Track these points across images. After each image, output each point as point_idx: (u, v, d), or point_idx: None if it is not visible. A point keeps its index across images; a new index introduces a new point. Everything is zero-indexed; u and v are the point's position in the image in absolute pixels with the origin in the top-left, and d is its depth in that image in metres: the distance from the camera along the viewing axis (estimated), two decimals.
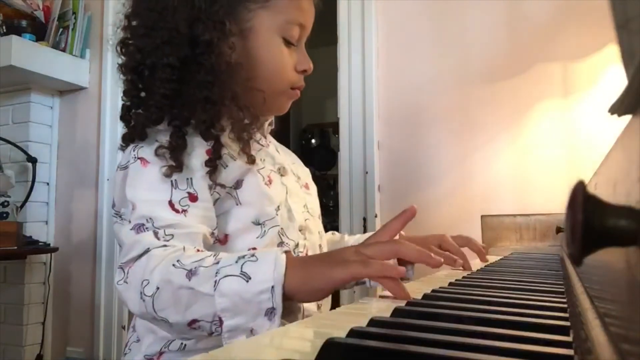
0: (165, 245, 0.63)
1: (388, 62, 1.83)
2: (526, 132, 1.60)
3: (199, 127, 0.72)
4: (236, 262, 0.57)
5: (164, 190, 0.67)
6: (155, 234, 0.64)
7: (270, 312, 0.54)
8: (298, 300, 0.58)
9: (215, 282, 0.55)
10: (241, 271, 0.55)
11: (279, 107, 0.84)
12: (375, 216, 1.77)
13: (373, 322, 0.36)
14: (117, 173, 0.73)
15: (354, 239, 0.99)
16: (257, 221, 0.73)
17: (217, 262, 0.58)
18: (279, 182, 0.79)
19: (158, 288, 0.59)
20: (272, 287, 0.54)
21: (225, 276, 0.55)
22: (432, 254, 0.59)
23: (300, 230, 0.79)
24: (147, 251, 0.62)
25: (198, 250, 0.64)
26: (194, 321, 0.58)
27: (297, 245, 0.77)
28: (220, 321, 0.56)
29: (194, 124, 0.72)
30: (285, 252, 0.58)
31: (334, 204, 4.03)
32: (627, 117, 0.23)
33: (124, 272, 0.63)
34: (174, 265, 0.59)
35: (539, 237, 1.48)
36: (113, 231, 0.71)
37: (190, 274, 0.57)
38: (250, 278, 0.55)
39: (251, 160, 0.74)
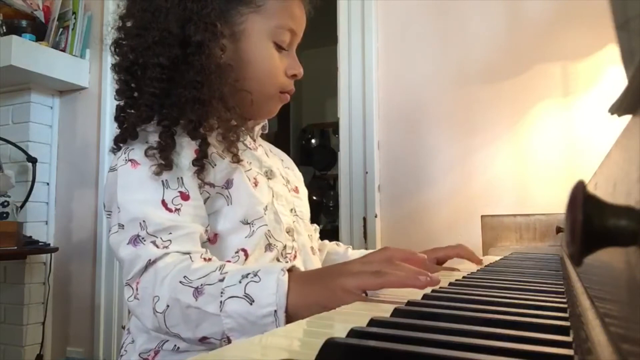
0: (166, 253, 0.64)
1: (388, 62, 1.83)
2: (526, 132, 1.60)
3: (187, 126, 0.72)
4: (240, 281, 0.58)
5: (156, 190, 0.68)
6: (154, 243, 0.65)
7: None
8: (298, 318, 0.58)
9: (221, 302, 0.57)
10: (244, 292, 0.57)
11: (268, 110, 0.85)
12: (375, 216, 1.77)
13: (373, 322, 0.36)
14: (108, 174, 0.74)
15: (356, 255, 0.99)
16: (246, 220, 0.74)
17: (222, 279, 0.59)
18: (266, 185, 0.80)
19: (168, 306, 0.60)
20: (275, 311, 0.55)
21: (230, 297, 0.57)
22: (418, 276, 0.54)
23: (287, 232, 0.79)
24: (149, 262, 0.63)
25: (205, 259, 0.65)
26: (204, 338, 0.60)
27: (284, 247, 0.78)
28: (229, 340, 0.58)
29: (182, 124, 0.73)
30: (288, 269, 0.58)
31: (334, 204, 4.03)
32: (627, 117, 0.23)
33: (132, 288, 0.65)
34: (181, 282, 0.60)
35: (539, 237, 1.48)
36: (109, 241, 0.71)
37: (197, 292, 0.59)
38: (253, 301, 0.56)
39: (236, 160, 0.75)
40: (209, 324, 0.58)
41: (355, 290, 0.54)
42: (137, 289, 0.64)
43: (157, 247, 0.64)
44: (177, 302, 0.59)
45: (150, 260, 0.63)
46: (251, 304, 0.56)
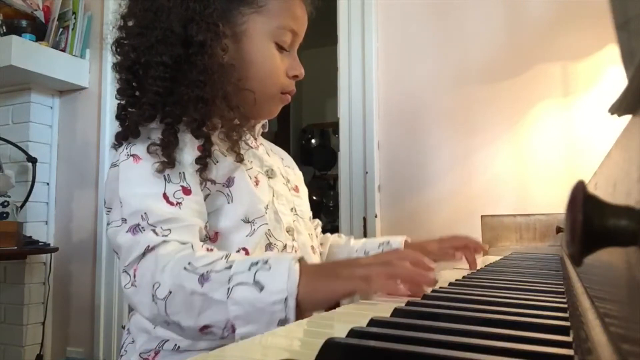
0: (165, 241, 0.63)
1: (388, 62, 1.83)
2: (526, 132, 1.60)
3: (191, 125, 0.73)
4: (249, 269, 0.57)
5: (157, 184, 0.68)
6: (153, 231, 0.64)
7: (282, 322, 0.54)
8: (302, 310, 0.57)
9: (229, 289, 0.56)
10: (254, 280, 0.56)
11: (269, 111, 0.85)
12: (375, 216, 1.77)
13: (373, 322, 0.36)
14: (110, 170, 0.74)
15: (359, 244, 0.99)
16: (247, 219, 0.74)
17: (230, 267, 0.58)
18: (266, 184, 0.80)
19: (170, 292, 0.59)
20: (286, 298, 0.54)
21: (238, 284, 0.56)
22: (426, 273, 0.57)
23: (288, 232, 0.79)
24: (148, 249, 0.63)
25: (207, 249, 0.65)
26: (205, 327, 0.58)
27: (285, 247, 0.78)
28: (233, 328, 0.56)
29: (185, 121, 0.73)
30: (298, 259, 0.58)
31: (334, 204, 4.03)
32: (627, 117, 0.23)
33: (129, 275, 0.64)
34: (185, 268, 0.59)
35: (539, 237, 1.48)
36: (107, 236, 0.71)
37: (203, 279, 0.58)
38: (263, 288, 0.55)
39: (239, 159, 0.76)
40: (213, 311, 0.57)
41: (348, 294, 0.55)
42: (134, 276, 0.63)
43: (157, 234, 0.64)
44: (181, 288, 0.58)
45: (148, 246, 0.62)
46: (260, 291, 0.55)
